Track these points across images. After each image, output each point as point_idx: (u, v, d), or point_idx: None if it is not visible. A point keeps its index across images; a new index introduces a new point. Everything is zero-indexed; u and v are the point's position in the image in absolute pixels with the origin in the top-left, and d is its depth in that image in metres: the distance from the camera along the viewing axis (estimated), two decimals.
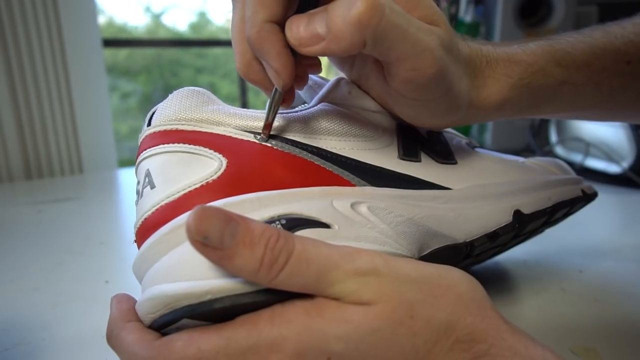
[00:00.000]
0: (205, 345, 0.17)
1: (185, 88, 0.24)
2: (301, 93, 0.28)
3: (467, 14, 0.83)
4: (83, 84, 0.91)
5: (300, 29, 0.20)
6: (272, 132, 0.24)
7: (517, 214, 0.27)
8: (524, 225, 0.27)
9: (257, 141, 0.23)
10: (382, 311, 0.17)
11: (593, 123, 0.67)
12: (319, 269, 0.17)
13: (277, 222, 0.20)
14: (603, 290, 0.33)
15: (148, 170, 0.22)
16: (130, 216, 0.51)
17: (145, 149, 0.23)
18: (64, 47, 0.86)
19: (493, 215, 0.26)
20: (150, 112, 0.24)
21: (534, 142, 0.76)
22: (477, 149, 0.30)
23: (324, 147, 0.24)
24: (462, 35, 0.25)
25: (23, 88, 0.83)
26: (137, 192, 0.23)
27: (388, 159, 0.25)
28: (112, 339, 0.19)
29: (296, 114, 0.25)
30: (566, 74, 0.26)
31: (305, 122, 0.25)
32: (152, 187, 0.22)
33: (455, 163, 0.27)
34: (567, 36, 0.27)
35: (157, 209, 0.21)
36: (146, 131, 0.24)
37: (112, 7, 2.28)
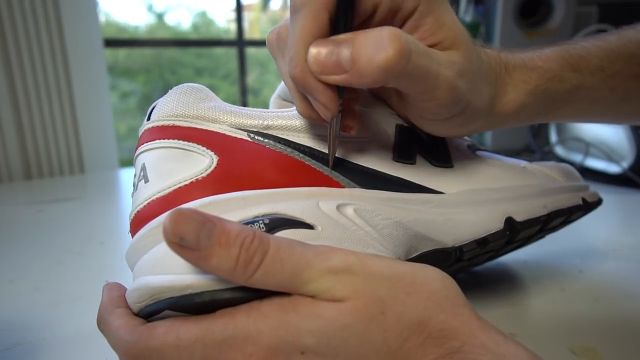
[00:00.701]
0: (184, 334, 0.18)
1: (185, 84, 0.25)
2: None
3: (467, 14, 0.83)
4: (84, 84, 0.91)
5: (322, 55, 0.19)
6: (265, 131, 0.24)
7: (509, 221, 0.26)
8: (515, 233, 0.27)
9: (250, 139, 0.24)
10: (353, 307, 0.17)
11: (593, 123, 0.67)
12: (293, 268, 0.17)
13: (261, 221, 0.20)
14: (603, 290, 0.33)
15: (144, 164, 0.23)
16: None
17: (143, 143, 0.24)
18: (65, 47, 0.86)
19: (483, 221, 0.26)
20: (151, 107, 0.25)
21: (534, 142, 0.76)
22: (480, 152, 0.30)
23: (317, 147, 0.24)
24: (481, 43, 0.26)
25: (23, 88, 0.83)
26: (134, 185, 0.24)
27: (381, 161, 0.25)
28: (101, 323, 0.20)
29: (292, 112, 0.25)
30: (581, 79, 0.26)
31: (300, 122, 0.25)
32: (146, 181, 0.23)
33: (452, 166, 0.27)
34: (582, 41, 0.27)
35: (148, 203, 0.22)
36: (145, 125, 0.24)
37: (113, 7, 2.28)
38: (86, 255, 0.41)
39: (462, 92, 0.22)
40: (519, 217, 0.27)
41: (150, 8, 2.43)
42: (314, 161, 0.24)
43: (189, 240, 0.17)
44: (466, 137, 0.31)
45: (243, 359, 0.17)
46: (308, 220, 0.21)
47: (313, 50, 0.20)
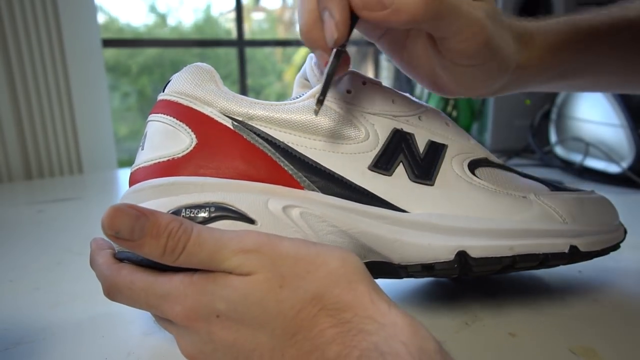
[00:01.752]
0: (137, 281, 0.22)
1: (195, 64, 0.27)
2: (310, 79, 0.28)
3: None
4: (83, 84, 0.90)
5: None
6: (248, 121, 0.25)
7: (462, 255, 0.26)
8: (468, 268, 0.26)
9: (232, 127, 0.25)
10: (255, 280, 0.20)
11: (593, 123, 0.67)
12: (210, 250, 0.21)
13: (207, 208, 0.23)
14: (603, 290, 0.33)
15: (146, 132, 0.26)
16: None
17: (152, 113, 0.27)
18: (64, 47, 0.86)
19: (434, 249, 0.26)
20: (168, 80, 0.27)
21: (534, 142, 0.76)
22: (485, 169, 0.28)
23: (292, 144, 0.25)
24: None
25: (23, 88, 0.83)
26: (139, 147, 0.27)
27: (354, 167, 0.26)
28: (91, 261, 0.25)
29: (282, 106, 0.26)
30: (590, 41, 0.29)
31: (286, 116, 0.26)
32: (142, 148, 0.26)
33: (432, 185, 0.27)
34: (589, 11, 0.30)
35: (138, 168, 0.26)
36: (160, 96, 0.27)
37: (115, 6, 2.28)
38: (86, 255, 0.40)
39: (493, 35, 0.24)
40: (474, 253, 0.26)
41: (152, 9, 2.43)
42: (283, 159, 0.25)
43: (124, 233, 0.20)
44: (479, 148, 0.29)
45: (172, 315, 0.21)
46: (251, 215, 0.23)
47: None
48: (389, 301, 0.20)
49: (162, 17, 2.52)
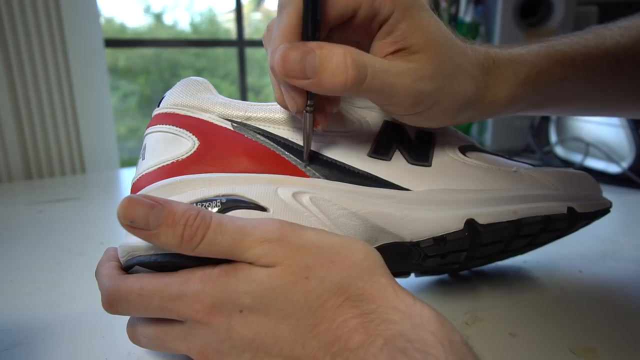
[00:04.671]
0: (147, 285, 0.22)
1: (188, 78, 0.28)
2: None
3: (467, 14, 0.83)
4: (85, 84, 0.90)
5: (290, 60, 0.21)
6: (247, 122, 0.26)
7: (470, 223, 0.27)
8: (477, 235, 0.27)
9: (232, 129, 0.26)
10: (281, 272, 0.20)
11: (593, 123, 0.67)
12: (232, 238, 0.20)
13: (218, 200, 0.23)
14: (603, 290, 0.33)
15: (145, 144, 0.27)
16: None
17: (149, 126, 0.27)
18: (66, 47, 0.86)
19: (443, 220, 0.26)
20: (162, 96, 0.28)
21: (534, 142, 0.76)
22: (473, 153, 0.29)
23: (292, 139, 0.26)
24: (467, 39, 0.27)
25: (24, 88, 0.83)
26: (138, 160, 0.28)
27: (355, 155, 0.27)
28: (96, 272, 0.25)
29: (274, 106, 0.27)
30: (565, 72, 0.28)
31: (283, 115, 0.27)
32: (143, 158, 0.27)
33: (429, 165, 0.27)
34: (564, 37, 0.29)
35: (141, 176, 0.26)
36: (155, 111, 0.28)
37: (113, 8, 2.28)
38: (86, 255, 0.41)
39: (424, 94, 0.24)
40: (482, 220, 0.27)
41: (148, 9, 2.43)
42: (286, 152, 0.26)
43: (139, 222, 0.20)
44: (465, 137, 0.31)
45: (191, 314, 0.21)
46: (262, 203, 0.24)
47: (285, 56, 0.21)
48: (413, 295, 0.20)
49: (158, 18, 2.52)
